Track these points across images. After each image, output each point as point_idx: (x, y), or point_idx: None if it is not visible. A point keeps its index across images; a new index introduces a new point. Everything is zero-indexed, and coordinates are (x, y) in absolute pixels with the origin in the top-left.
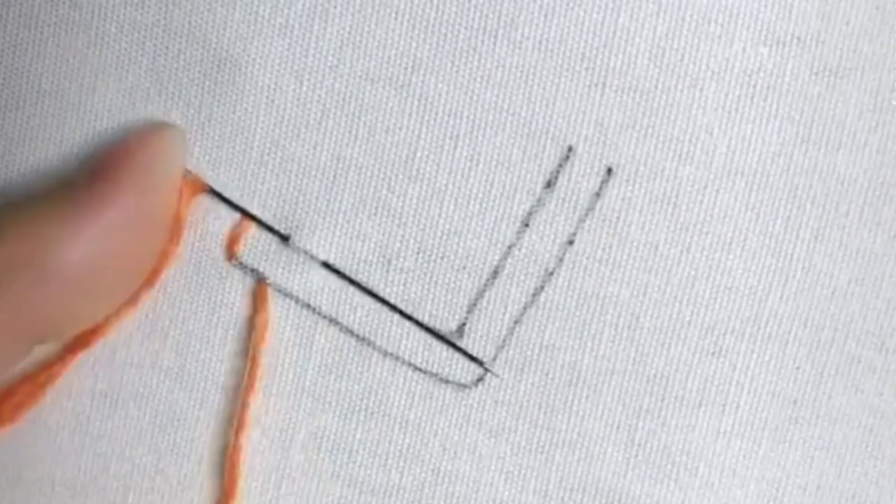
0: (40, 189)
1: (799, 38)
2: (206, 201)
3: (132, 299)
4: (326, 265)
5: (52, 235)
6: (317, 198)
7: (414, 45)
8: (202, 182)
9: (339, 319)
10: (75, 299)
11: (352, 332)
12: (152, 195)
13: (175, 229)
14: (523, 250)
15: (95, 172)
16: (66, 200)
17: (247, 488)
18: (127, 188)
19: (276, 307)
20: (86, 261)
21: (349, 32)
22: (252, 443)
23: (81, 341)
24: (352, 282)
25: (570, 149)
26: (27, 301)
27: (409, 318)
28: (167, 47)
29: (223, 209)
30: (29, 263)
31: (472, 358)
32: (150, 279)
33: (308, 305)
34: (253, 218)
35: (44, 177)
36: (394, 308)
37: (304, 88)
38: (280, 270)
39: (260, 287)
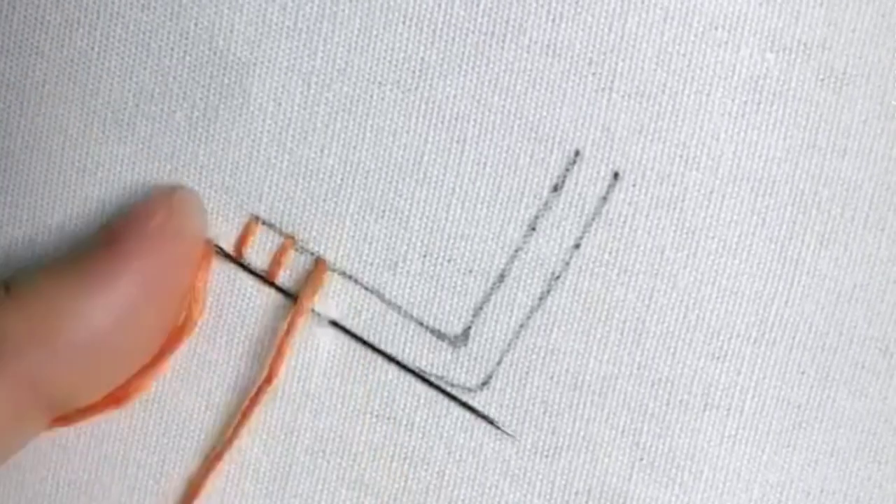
0: (54, 255)
1: (805, 45)
2: (210, 202)
3: (151, 365)
4: (332, 269)
5: (66, 306)
6: (324, 201)
7: (422, 48)
8: (216, 248)
9: (344, 322)
10: (91, 369)
11: (356, 336)
12: (169, 263)
13: (194, 298)
14: (530, 254)
15: (112, 239)
16: (81, 269)
17: (252, 490)
18: (145, 255)
19: (279, 309)
20: (102, 331)
21: (357, 36)
22: (257, 445)
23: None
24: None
25: (577, 153)
26: (42, 372)
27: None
28: (173, 49)
29: (230, 211)
30: (45, 333)
31: (486, 419)
32: (169, 346)
33: (312, 309)
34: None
35: (46, 179)
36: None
37: (312, 91)
38: (285, 273)
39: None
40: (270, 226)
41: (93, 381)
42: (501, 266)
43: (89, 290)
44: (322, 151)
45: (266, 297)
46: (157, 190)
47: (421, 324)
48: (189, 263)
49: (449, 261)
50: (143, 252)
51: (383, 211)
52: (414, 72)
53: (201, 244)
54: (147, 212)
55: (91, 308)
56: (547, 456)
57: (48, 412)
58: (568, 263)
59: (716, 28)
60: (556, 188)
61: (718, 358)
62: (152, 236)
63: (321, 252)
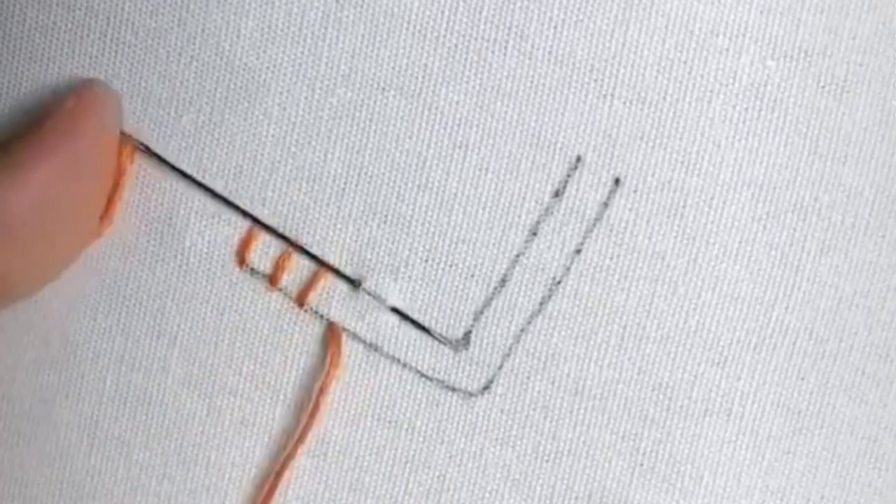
0: None
1: (806, 52)
2: (213, 206)
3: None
4: (335, 269)
5: None
6: (327, 205)
7: (425, 55)
8: (138, 141)
9: (346, 326)
10: (20, 256)
11: (359, 339)
12: (86, 145)
13: (117, 185)
14: (531, 259)
15: (27, 130)
16: (3, 153)
17: (253, 493)
18: (60, 140)
19: (282, 313)
20: (24, 214)
21: (361, 42)
22: (259, 449)
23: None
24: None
25: (578, 159)
26: None
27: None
28: (180, 54)
29: (233, 215)
30: None
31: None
32: (98, 228)
33: (316, 312)
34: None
35: None
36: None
37: (316, 96)
38: (288, 276)
39: (333, 330)
40: (273, 230)
41: (24, 266)
42: (503, 271)
43: (8, 175)
44: (325, 156)
45: (269, 302)
46: (75, 83)
47: (422, 328)
48: (105, 149)
49: (450, 265)
50: (58, 138)
51: (385, 216)
52: (417, 78)
53: (116, 131)
54: (59, 102)
55: (9, 192)
56: (547, 461)
57: None
58: (569, 269)
59: (717, 35)
60: (557, 194)
61: (719, 364)
62: (65, 123)
63: (324, 256)
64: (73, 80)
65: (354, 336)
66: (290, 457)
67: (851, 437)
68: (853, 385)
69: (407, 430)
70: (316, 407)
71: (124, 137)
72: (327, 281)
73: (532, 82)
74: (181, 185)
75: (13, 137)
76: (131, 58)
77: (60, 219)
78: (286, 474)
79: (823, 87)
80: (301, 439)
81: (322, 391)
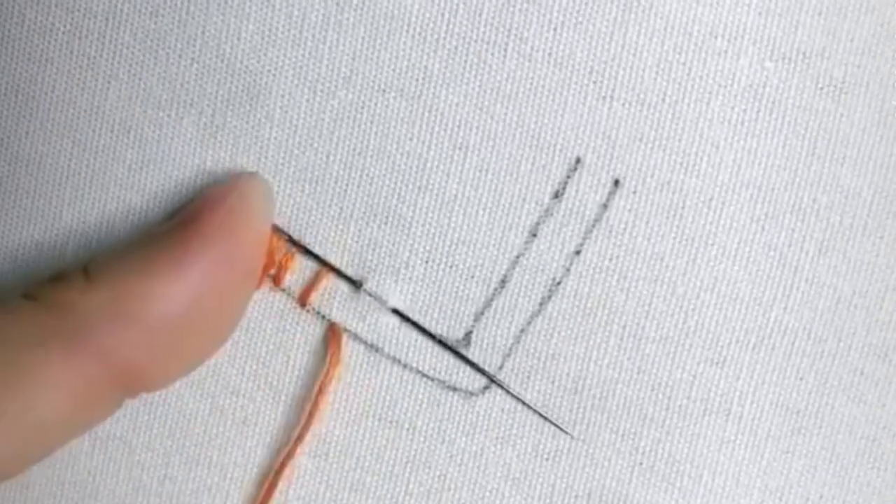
0: (128, 239)
1: (804, 54)
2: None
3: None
4: (335, 269)
5: (142, 288)
6: (329, 206)
7: (425, 57)
8: (286, 234)
9: (348, 326)
10: (166, 349)
11: (360, 339)
12: (243, 243)
13: (263, 278)
14: (531, 260)
15: (186, 221)
16: (157, 252)
17: (254, 493)
18: (218, 237)
19: (285, 313)
20: (177, 312)
21: (362, 44)
22: (260, 448)
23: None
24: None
25: (577, 160)
26: (118, 351)
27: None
28: (181, 56)
29: None
30: (121, 313)
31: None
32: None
33: (318, 312)
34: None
35: (56, 184)
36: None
37: (317, 98)
38: (291, 277)
39: (334, 331)
40: (276, 231)
41: (167, 360)
42: (503, 272)
43: (164, 273)
44: (327, 158)
45: (271, 302)
46: (229, 175)
47: (423, 329)
48: (260, 246)
49: (451, 266)
50: (217, 235)
51: (387, 217)
52: (417, 80)
53: (269, 228)
54: (219, 196)
55: (165, 290)
56: (547, 459)
57: (123, 391)
58: (569, 269)
59: (715, 37)
60: (557, 195)
61: (717, 363)
62: (225, 219)
63: (326, 257)
64: (225, 167)
65: (355, 336)
66: (289, 456)
67: (850, 436)
68: (852, 385)
69: (408, 429)
70: (315, 406)
71: (275, 231)
72: (329, 281)
73: (532, 84)
74: None
75: (165, 234)
76: (130, 59)
77: (209, 314)
78: (286, 472)
79: (822, 88)
80: (300, 438)
81: (321, 391)
